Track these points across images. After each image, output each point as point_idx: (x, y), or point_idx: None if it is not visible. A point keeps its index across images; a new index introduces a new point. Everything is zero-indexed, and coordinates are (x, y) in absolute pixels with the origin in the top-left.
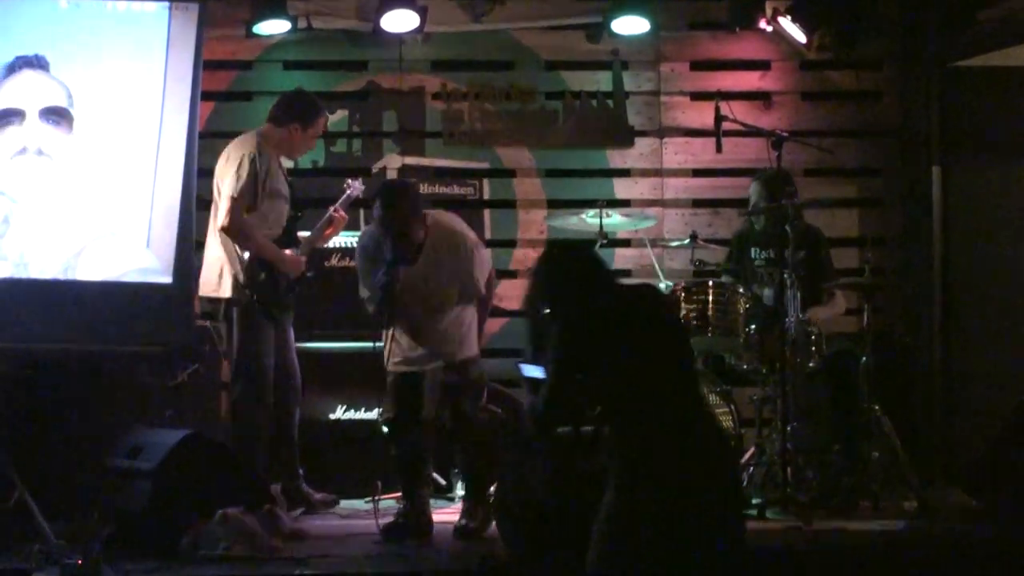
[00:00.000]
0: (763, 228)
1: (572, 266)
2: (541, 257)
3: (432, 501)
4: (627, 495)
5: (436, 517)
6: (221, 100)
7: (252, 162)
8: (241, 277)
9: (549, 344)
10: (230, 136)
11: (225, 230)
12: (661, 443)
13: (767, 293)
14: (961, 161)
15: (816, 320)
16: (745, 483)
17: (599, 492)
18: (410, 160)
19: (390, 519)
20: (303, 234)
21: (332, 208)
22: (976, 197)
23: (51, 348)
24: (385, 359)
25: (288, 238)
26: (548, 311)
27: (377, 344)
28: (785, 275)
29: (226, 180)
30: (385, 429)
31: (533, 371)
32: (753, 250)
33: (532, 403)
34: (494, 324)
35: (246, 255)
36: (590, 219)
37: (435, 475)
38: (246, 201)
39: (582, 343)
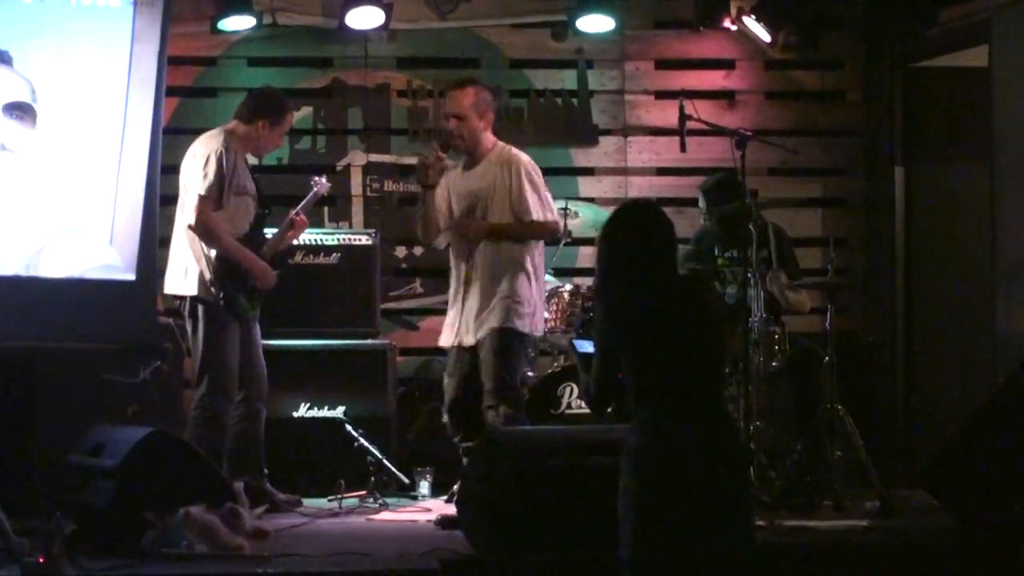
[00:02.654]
0: (715, 229)
1: (635, 228)
2: (612, 214)
3: (395, 500)
4: (641, 480)
5: (399, 516)
6: (185, 96)
7: (219, 160)
8: (207, 275)
9: (595, 321)
10: (194, 132)
11: (193, 228)
12: (678, 433)
13: (729, 292)
14: (923, 161)
15: (798, 301)
16: None
17: (564, 491)
18: (375, 157)
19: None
20: (270, 231)
21: (293, 212)
22: (938, 197)
23: (12, 345)
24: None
25: (256, 235)
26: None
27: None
28: (748, 274)
29: (193, 178)
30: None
31: (586, 347)
32: (716, 248)
33: (585, 382)
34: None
35: (213, 253)
36: None
37: (398, 473)
38: (213, 199)
39: (621, 327)
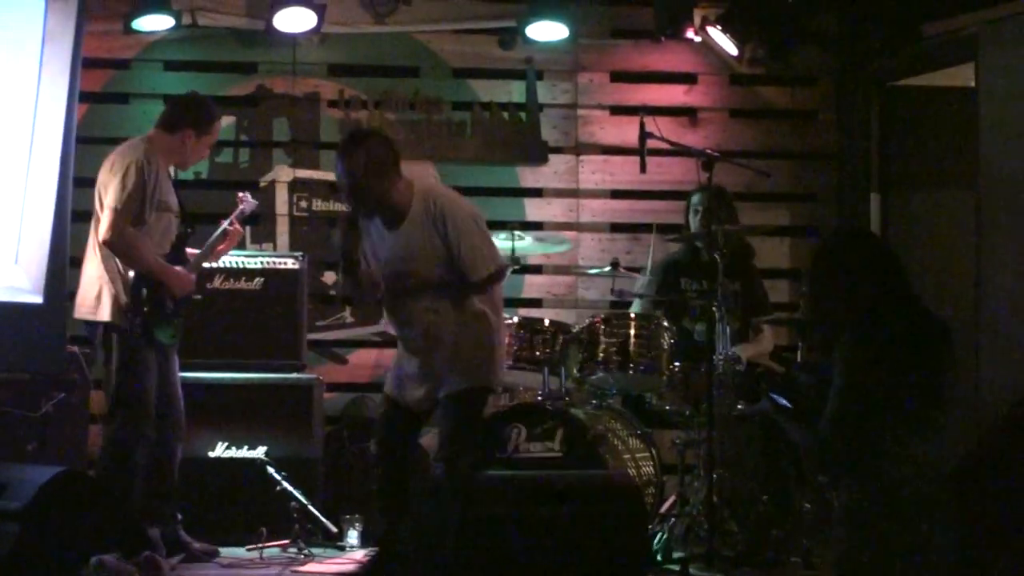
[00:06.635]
0: (683, 258)
1: (870, 263)
2: (830, 246)
3: (321, 550)
4: (860, 541)
5: (326, 568)
6: (95, 102)
7: (140, 171)
8: (123, 298)
9: (837, 361)
10: (104, 142)
11: (108, 244)
12: (905, 488)
13: (699, 329)
14: (902, 187)
15: (757, 353)
16: (666, 535)
17: (517, 541)
18: (302, 173)
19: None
20: (192, 251)
21: (227, 221)
22: (918, 226)
23: None
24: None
25: (177, 255)
26: (831, 312)
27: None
28: (715, 308)
29: (110, 190)
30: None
31: (783, 400)
32: (683, 280)
33: (806, 435)
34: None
35: (130, 274)
36: (500, 242)
37: (325, 520)
38: (132, 213)
39: (872, 367)
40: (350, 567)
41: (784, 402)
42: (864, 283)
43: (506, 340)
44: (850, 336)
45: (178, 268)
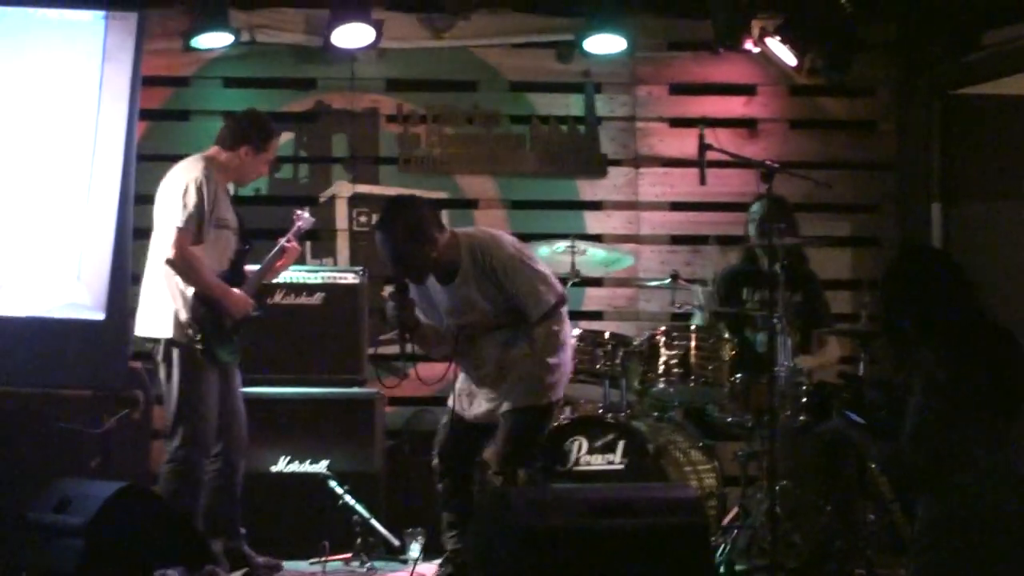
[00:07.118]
0: (751, 268)
1: (941, 279)
2: (899, 263)
3: (383, 563)
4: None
5: None
6: (155, 119)
7: (199, 189)
8: (184, 314)
9: (918, 377)
10: (164, 159)
11: (170, 262)
12: (991, 501)
13: (760, 338)
14: (963, 198)
15: (820, 364)
16: (728, 547)
17: (579, 554)
18: (362, 188)
19: None
20: (251, 268)
21: (284, 239)
22: (979, 237)
23: None
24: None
25: (235, 273)
26: (905, 330)
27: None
28: (775, 320)
29: (171, 208)
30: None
31: (855, 416)
32: (745, 290)
33: (887, 452)
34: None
35: (190, 291)
36: (560, 255)
37: (387, 534)
38: (193, 232)
39: (951, 382)
40: None
41: (859, 419)
42: (936, 299)
43: (569, 355)
44: (928, 352)
45: (236, 291)
